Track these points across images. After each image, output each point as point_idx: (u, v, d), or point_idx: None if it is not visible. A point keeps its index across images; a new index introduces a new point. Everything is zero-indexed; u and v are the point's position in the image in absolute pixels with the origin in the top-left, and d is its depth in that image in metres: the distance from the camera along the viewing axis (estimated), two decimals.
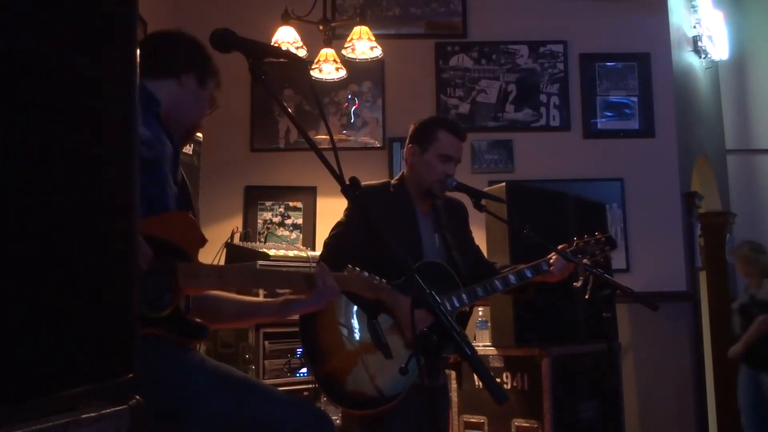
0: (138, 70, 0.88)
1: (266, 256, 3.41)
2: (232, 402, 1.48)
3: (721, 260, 5.78)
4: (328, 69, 4.00)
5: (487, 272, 2.65)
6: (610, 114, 4.68)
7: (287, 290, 1.91)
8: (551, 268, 2.55)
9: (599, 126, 4.67)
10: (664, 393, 4.40)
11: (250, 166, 4.53)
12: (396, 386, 2.26)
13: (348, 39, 3.90)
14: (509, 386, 3.31)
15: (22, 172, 0.69)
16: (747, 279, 4.61)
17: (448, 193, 2.64)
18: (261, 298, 1.85)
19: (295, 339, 3.49)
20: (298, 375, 3.50)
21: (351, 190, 1.46)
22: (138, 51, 0.89)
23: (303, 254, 3.57)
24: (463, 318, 2.58)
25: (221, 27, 1.59)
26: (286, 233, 4.47)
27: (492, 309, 3.49)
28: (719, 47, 5.82)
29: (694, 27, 5.45)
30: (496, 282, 2.52)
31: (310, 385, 3.42)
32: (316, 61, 3.96)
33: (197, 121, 1.80)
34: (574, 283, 2.49)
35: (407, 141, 2.63)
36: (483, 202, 2.57)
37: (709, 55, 5.63)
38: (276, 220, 4.49)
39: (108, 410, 0.80)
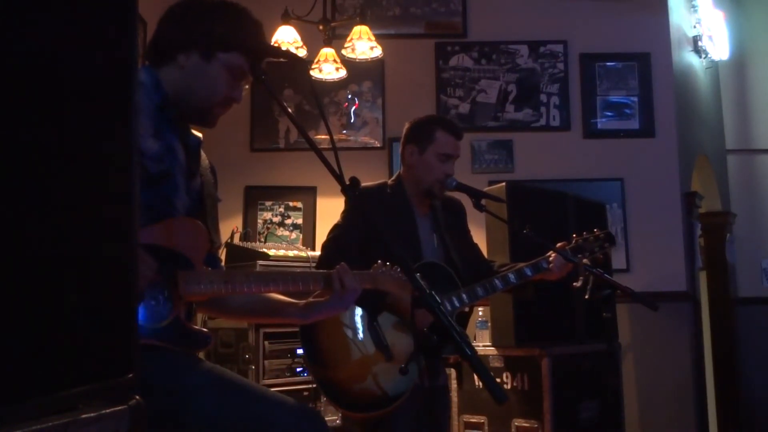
0: (138, 70, 0.88)
1: (266, 256, 3.41)
2: (224, 404, 1.46)
3: (721, 260, 5.78)
4: (328, 69, 4.00)
5: (486, 271, 2.65)
6: (610, 114, 4.68)
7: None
8: (550, 265, 2.55)
9: (599, 126, 4.67)
10: (664, 393, 4.40)
11: (250, 166, 4.53)
12: (397, 388, 2.25)
13: (348, 39, 3.90)
14: (509, 386, 3.31)
15: (21, 174, 0.69)
16: None
17: (447, 193, 2.64)
18: (285, 298, 1.79)
19: (295, 339, 3.49)
20: (298, 373, 3.50)
21: (351, 190, 1.46)
22: (138, 50, 0.89)
23: (303, 254, 3.57)
24: (464, 318, 2.58)
25: None
26: (286, 233, 4.47)
27: (492, 309, 3.49)
28: (719, 47, 5.82)
29: (695, 27, 5.45)
30: (496, 281, 2.52)
31: (310, 385, 3.42)
32: (316, 61, 3.96)
33: (209, 101, 1.63)
34: (574, 283, 2.49)
35: (403, 141, 2.62)
36: (483, 202, 2.58)
37: (709, 55, 5.63)
38: (276, 220, 4.49)
39: (108, 410, 0.80)
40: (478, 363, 1.25)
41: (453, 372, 3.41)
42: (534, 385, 3.23)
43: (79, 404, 0.77)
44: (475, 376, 3.28)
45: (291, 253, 3.56)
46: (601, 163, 4.61)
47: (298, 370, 3.49)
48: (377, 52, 3.94)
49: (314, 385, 3.36)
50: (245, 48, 1.59)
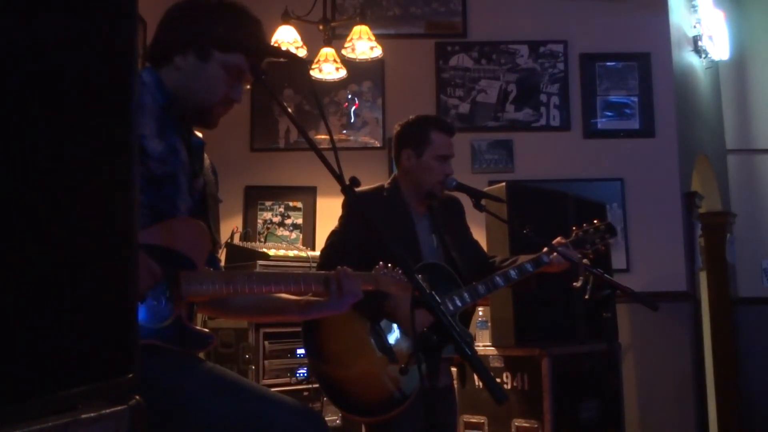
0: (138, 70, 0.88)
1: (266, 256, 3.41)
2: (224, 404, 1.46)
3: (721, 260, 5.78)
4: (328, 69, 4.00)
5: (487, 268, 2.65)
6: (610, 114, 4.68)
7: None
8: (551, 258, 2.55)
9: (599, 126, 4.67)
10: (664, 393, 4.40)
11: (250, 166, 4.53)
12: (403, 390, 2.25)
13: (348, 39, 3.89)
14: (509, 386, 3.31)
15: (20, 174, 0.69)
16: None
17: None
18: (286, 296, 1.79)
19: (294, 339, 3.49)
20: (298, 375, 3.50)
21: (351, 190, 1.46)
22: (138, 51, 0.89)
23: (303, 254, 3.57)
24: (467, 317, 2.58)
25: None
26: (286, 233, 4.47)
27: (492, 309, 3.49)
28: (719, 47, 5.81)
29: (695, 27, 5.45)
30: (497, 278, 2.52)
31: (310, 386, 3.42)
32: (316, 61, 3.96)
33: (208, 101, 1.61)
34: (574, 283, 2.49)
35: (397, 146, 2.60)
36: (483, 202, 2.57)
37: (709, 55, 5.63)
38: (276, 220, 4.49)
39: (108, 410, 0.80)
40: (478, 363, 1.25)
41: (454, 372, 3.41)
42: (534, 385, 3.22)
43: (79, 404, 0.77)
44: (475, 376, 3.28)
45: (291, 253, 3.56)
46: (601, 163, 4.60)
47: (299, 370, 3.49)
48: (377, 52, 3.94)
49: (314, 386, 3.36)
50: (245, 48, 1.59)
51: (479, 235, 3.63)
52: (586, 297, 2.47)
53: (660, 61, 4.72)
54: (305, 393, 3.47)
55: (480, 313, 3.69)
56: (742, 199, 6.14)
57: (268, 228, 4.43)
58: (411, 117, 2.63)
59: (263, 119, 4.56)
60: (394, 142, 2.63)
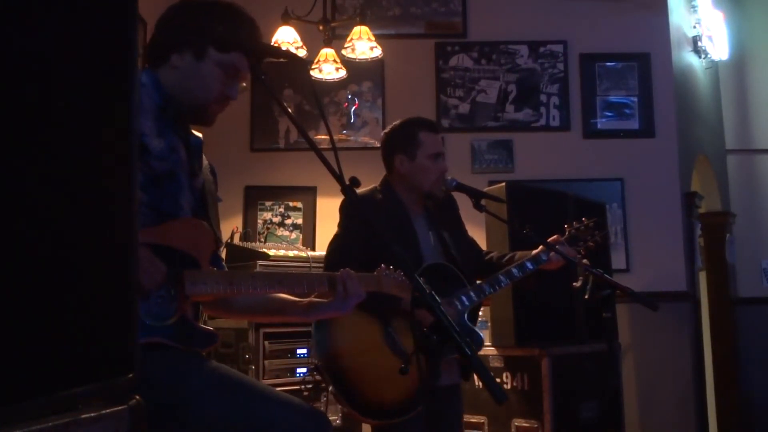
0: (138, 70, 0.88)
1: (266, 256, 3.41)
2: (228, 403, 1.47)
3: (721, 260, 5.78)
4: (328, 69, 4.00)
5: (483, 263, 2.68)
6: (610, 114, 4.68)
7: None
8: (550, 256, 2.59)
9: (599, 126, 4.67)
10: (664, 393, 4.40)
11: (250, 166, 4.53)
12: (418, 393, 2.24)
13: (348, 39, 3.89)
14: (509, 386, 3.31)
15: (20, 174, 0.69)
16: None
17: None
18: (289, 297, 1.80)
19: (295, 339, 3.49)
20: (298, 375, 3.50)
21: (351, 190, 1.46)
22: (138, 50, 0.89)
23: (303, 254, 3.57)
24: (475, 313, 2.61)
25: None
26: (286, 233, 4.47)
27: (492, 309, 3.49)
28: (719, 47, 5.81)
29: (694, 27, 5.45)
30: (501, 277, 2.56)
31: (310, 386, 3.42)
32: (316, 61, 3.96)
33: (204, 99, 1.61)
34: (574, 283, 2.50)
35: (388, 152, 2.59)
36: (483, 202, 2.58)
37: (709, 55, 5.63)
38: (276, 220, 4.49)
39: (108, 410, 0.80)
40: (478, 363, 1.24)
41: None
42: (534, 385, 3.22)
43: (79, 404, 0.77)
44: (475, 376, 3.28)
45: (291, 253, 3.56)
46: (601, 163, 4.61)
47: (298, 370, 3.49)
48: (377, 52, 3.94)
49: (313, 385, 3.36)
50: (245, 47, 1.59)
51: (479, 235, 3.64)
52: (586, 297, 2.47)
53: (660, 61, 4.72)
54: (305, 393, 3.47)
55: (480, 313, 3.68)
56: (741, 199, 6.14)
57: (268, 228, 4.43)
58: (395, 123, 2.65)
59: (263, 119, 4.56)
60: (383, 149, 2.64)
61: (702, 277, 5.55)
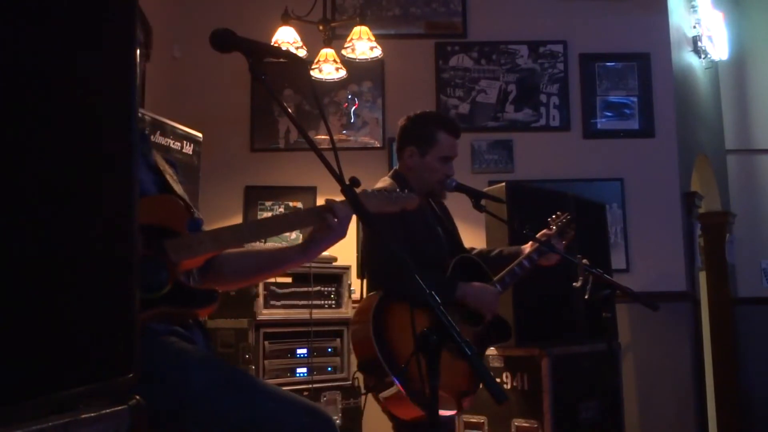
0: (137, 69, 0.88)
1: None
2: (233, 402, 1.47)
3: (721, 260, 5.78)
4: (328, 69, 4.00)
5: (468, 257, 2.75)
6: (610, 114, 4.68)
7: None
8: (547, 254, 2.66)
9: (599, 126, 4.67)
10: (664, 393, 4.40)
11: (250, 166, 4.53)
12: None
13: (348, 39, 3.89)
14: (509, 386, 3.31)
15: (21, 172, 0.69)
16: None
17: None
18: (281, 245, 1.81)
19: (295, 339, 3.49)
20: (297, 375, 3.50)
21: (351, 190, 1.46)
22: (138, 51, 0.89)
23: None
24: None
25: (221, 27, 1.59)
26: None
27: None
28: (719, 47, 5.82)
29: (694, 27, 5.45)
30: (516, 269, 2.62)
31: (311, 386, 3.42)
32: (316, 61, 3.96)
33: None
34: (574, 283, 2.50)
35: (402, 140, 2.59)
36: (483, 202, 2.58)
37: (709, 55, 5.63)
38: None
39: (108, 410, 0.80)
40: (478, 363, 1.24)
41: None
42: (534, 385, 3.23)
43: (79, 404, 0.77)
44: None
45: None
46: (601, 163, 4.61)
47: (298, 370, 3.49)
48: (377, 52, 3.94)
49: (314, 385, 3.37)
50: (245, 48, 1.59)
51: (479, 235, 3.64)
52: (586, 297, 2.48)
53: (659, 61, 4.72)
54: (305, 393, 3.47)
55: None
56: (741, 199, 6.14)
57: None
58: (419, 112, 2.62)
59: (263, 119, 4.56)
60: (399, 135, 2.62)
61: (702, 277, 5.55)
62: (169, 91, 4.36)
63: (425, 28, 4.70)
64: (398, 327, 2.22)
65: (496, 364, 3.39)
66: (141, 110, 3.48)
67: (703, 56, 5.58)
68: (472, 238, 4.26)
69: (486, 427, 3.36)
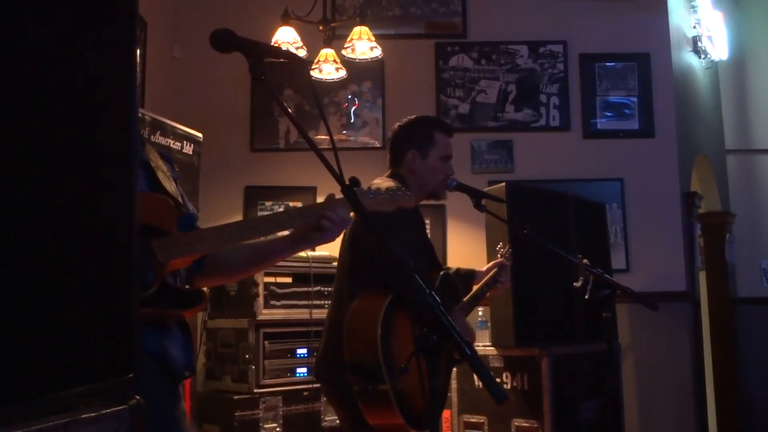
0: (137, 69, 0.88)
1: None
2: None
3: (721, 260, 5.78)
4: (328, 69, 4.00)
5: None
6: (609, 114, 4.68)
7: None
8: (500, 279, 2.75)
9: (599, 126, 4.67)
10: (664, 393, 4.40)
11: (250, 166, 4.53)
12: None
13: (348, 39, 3.89)
14: (509, 386, 3.31)
15: (21, 173, 0.69)
16: None
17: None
18: (272, 237, 1.81)
19: (295, 339, 3.49)
20: (297, 375, 3.50)
21: (351, 190, 1.45)
22: (138, 51, 0.89)
23: (302, 254, 3.57)
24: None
25: (221, 27, 1.58)
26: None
27: (492, 309, 3.49)
28: (719, 47, 5.82)
29: (694, 27, 5.45)
30: (479, 294, 2.71)
31: (310, 386, 3.42)
32: (316, 61, 3.96)
33: None
34: (574, 283, 2.50)
35: (400, 146, 2.57)
36: (483, 202, 2.58)
37: (708, 55, 5.63)
38: None
39: (108, 410, 0.80)
40: (478, 363, 1.24)
41: (455, 371, 3.41)
42: (534, 385, 3.23)
43: (79, 404, 0.77)
44: (475, 376, 3.28)
45: None
46: (601, 163, 4.61)
47: (298, 370, 3.49)
48: (377, 52, 3.94)
49: (314, 385, 3.36)
50: (245, 48, 1.59)
51: (479, 235, 3.64)
52: (586, 297, 2.48)
53: (659, 61, 4.72)
54: (305, 393, 3.47)
55: (480, 313, 3.69)
56: (741, 199, 6.14)
57: None
58: (410, 118, 2.63)
59: (263, 119, 4.56)
60: (394, 142, 2.62)
61: (702, 277, 5.55)
62: (169, 91, 4.36)
63: (425, 28, 4.70)
64: (399, 332, 2.22)
65: (496, 364, 3.39)
66: (141, 110, 3.48)
67: (703, 56, 5.58)
68: (473, 238, 4.27)
69: (486, 427, 3.36)
